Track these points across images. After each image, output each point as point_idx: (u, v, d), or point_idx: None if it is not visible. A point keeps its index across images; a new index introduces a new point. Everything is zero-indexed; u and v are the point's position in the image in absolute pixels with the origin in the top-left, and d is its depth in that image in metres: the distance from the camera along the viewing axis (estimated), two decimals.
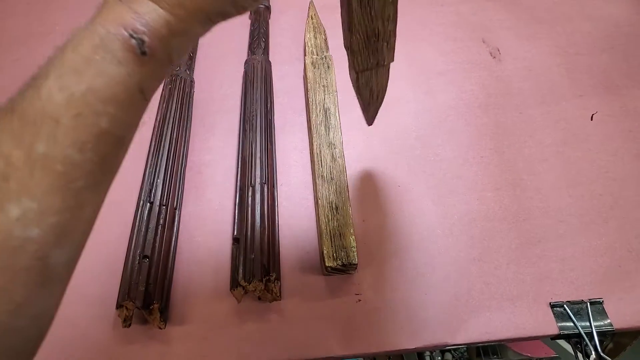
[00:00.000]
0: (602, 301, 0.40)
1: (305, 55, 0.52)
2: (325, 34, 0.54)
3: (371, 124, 0.41)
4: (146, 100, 0.22)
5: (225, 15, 0.23)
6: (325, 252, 0.39)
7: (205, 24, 0.23)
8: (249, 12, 0.59)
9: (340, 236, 0.39)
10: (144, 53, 0.20)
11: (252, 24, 0.57)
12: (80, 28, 0.21)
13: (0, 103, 0.20)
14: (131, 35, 0.20)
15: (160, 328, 0.39)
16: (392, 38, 0.33)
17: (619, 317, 0.39)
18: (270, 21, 0.58)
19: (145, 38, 0.20)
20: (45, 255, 0.19)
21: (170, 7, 0.21)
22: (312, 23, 0.55)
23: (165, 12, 0.21)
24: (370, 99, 0.38)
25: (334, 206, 0.41)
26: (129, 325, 0.38)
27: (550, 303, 0.40)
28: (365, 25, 0.31)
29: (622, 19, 0.58)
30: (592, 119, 0.50)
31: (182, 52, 0.23)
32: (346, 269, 0.39)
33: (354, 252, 0.39)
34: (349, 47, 0.33)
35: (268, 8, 0.58)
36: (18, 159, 0.18)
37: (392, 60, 0.35)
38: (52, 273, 0.20)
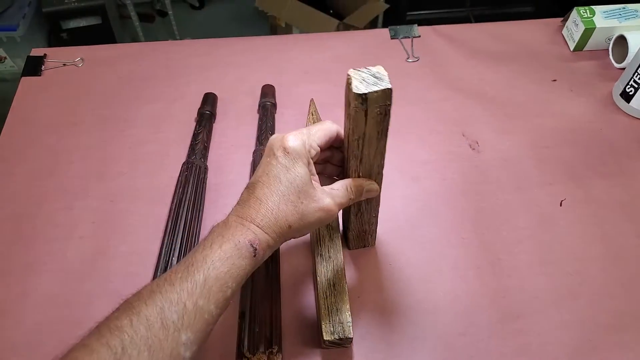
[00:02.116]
0: None
1: None
2: None
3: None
4: (246, 278, 0.37)
5: (293, 237, 0.40)
6: (323, 326, 0.44)
7: (283, 241, 0.39)
8: (257, 107, 0.69)
9: (337, 311, 0.45)
10: (254, 255, 0.36)
11: (260, 119, 0.66)
12: (218, 235, 0.36)
13: (174, 268, 0.36)
14: (251, 245, 0.36)
15: None
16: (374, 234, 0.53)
17: None
18: (276, 116, 0.67)
19: (257, 247, 0.37)
20: None
21: (268, 231, 0.37)
22: (313, 119, 0.64)
23: (266, 234, 0.37)
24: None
25: (331, 283, 0.47)
26: None
27: None
28: (357, 226, 0.50)
29: (583, 117, 0.68)
30: (561, 205, 0.58)
31: (269, 254, 0.39)
32: (342, 342, 0.44)
33: (349, 326, 0.44)
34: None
35: (274, 105, 0.68)
36: (189, 307, 0.33)
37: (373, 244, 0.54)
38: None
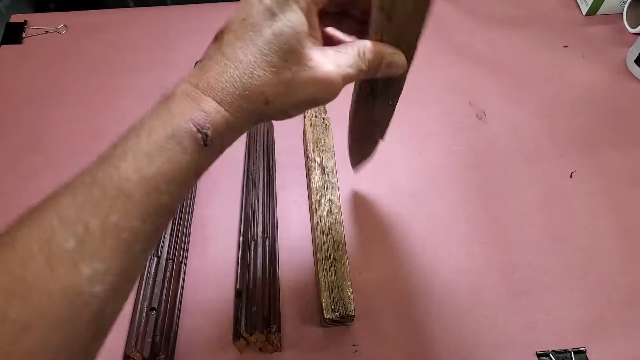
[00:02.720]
0: (585, 350, 0.44)
1: (304, 117, 0.58)
2: None
3: (356, 172, 0.49)
4: (197, 178, 0.27)
5: (271, 118, 0.28)
6: (323, 304, 0.43)
7: (254, 123, 0.28)
8: None
9: (338, 289, 0.44)
10: (206, 145, 0.25)
11: None
12: (151, 114, 0.25)
13: (78, 171, 0.25)
14: (198, 130, 0.24)
15: None
16: (385, 126, 0.41)
17: None
18: None
19: (209, 133, 0.25)
20: (102, 311, 0.23)
21: (230, 108, 0.25)
22: None
23: (226, 112, 0.25)
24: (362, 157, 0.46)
25: (332, 260, 0.45)
26: None
27: (536, 352, 0.44)
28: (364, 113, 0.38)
29: (596, 84, 0.65)
30: (571, 177, 0.56)
31: (231, 142, 0.28)
32: (344, 320, 0.43)
33: (351, 304, 0.43)
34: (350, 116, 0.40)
35: None
36: (94, 227, 0.22)
37: (383, 139, 0.43)
38: (103, 326, 0.24)
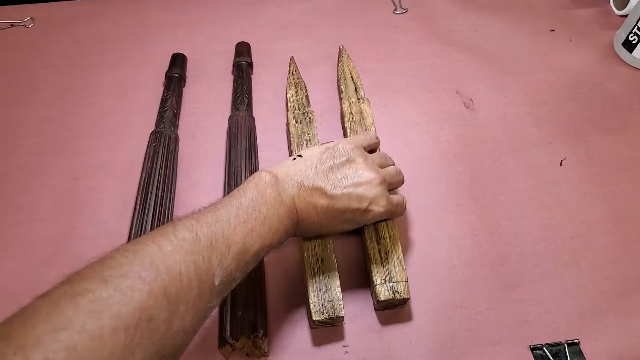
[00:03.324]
0: (579, 342, 0.44)
1: (287, 110, 0.57)
2: (306, 90, 0.59)
3: None
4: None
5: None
6: (312, 305, 0.42)
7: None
8: (231, 68, 0.64)
9: (327, 289, 0.43)
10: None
11: (235, 80, 0.61)
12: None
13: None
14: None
15: None
16: None
17: (595, 356, 0.43)
18: (252, 77, 0.63)
19: None
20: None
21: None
22: (293, 79, 0.60)
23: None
24: None
25: (319, 259, 0.44)
26: None
27: (530, 346, 0.44)
28: None
29: (583, 69, 0.65)
30: (561, 165, 0.56)
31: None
32: (333, 321, 0.42)
33: (340, 304, 0.42)
34: None
35: (250, 64, 0.63)
36: (232, 275, 0.33)
37: None
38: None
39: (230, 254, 0.32)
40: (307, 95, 0.58)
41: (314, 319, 0.41)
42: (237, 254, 0.32)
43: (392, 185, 0.45)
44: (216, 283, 0.31)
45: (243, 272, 0.34)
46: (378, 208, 0.42)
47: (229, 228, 0.33)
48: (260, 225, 0.35)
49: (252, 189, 0.37)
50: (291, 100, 0.57)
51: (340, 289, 0.43)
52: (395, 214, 0.46)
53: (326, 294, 0.42)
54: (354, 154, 0.42)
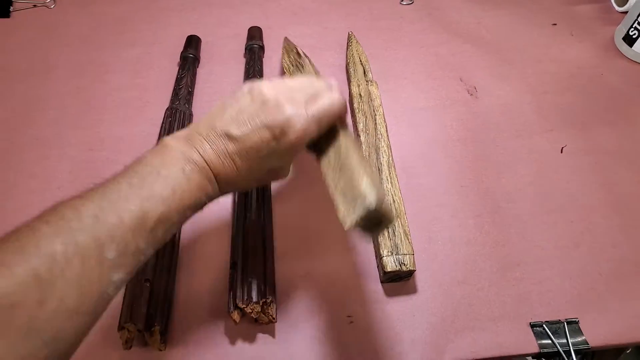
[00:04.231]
0: (578, 321, 0.42)
1: (282, 57, 0.54)
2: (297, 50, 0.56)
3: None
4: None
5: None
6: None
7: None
8: (244, 51, 0.62)
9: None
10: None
11: (247, 62, 0.59)
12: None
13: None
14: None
15: (160, 350, 0.39)
16: None
17: (593, 335, 0.41)
18: (264, 59, 0.61)
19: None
20: (109, 300, 0.27)
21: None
22: (289, 60, 0.57)
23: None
24: None
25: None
26: (130, 347, 0.38)
27: (530, 323, 0.42)
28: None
29: (584, 62, 0.63)
30: (562, 152, 0.54)
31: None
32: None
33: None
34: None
35: (262, 47, 0.61)
36: (131, 247, 0.27)
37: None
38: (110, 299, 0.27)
39: (125, 225, 0.27)
40: (297, 52, 0.54)
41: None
42: (134, 223, 0.27)
43: (322, 111, 0.33)
44: (110, 257, 0.26)
45: (153, 241, 0.29)
46: (298, 125, 0.31)
47: (119, 198, 0.27)
48: (161, 188, 0.29)
49: (151, 154, 0.31)
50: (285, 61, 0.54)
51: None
52: (332, 116, 0.34)
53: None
54: (260, 86, 0.33)
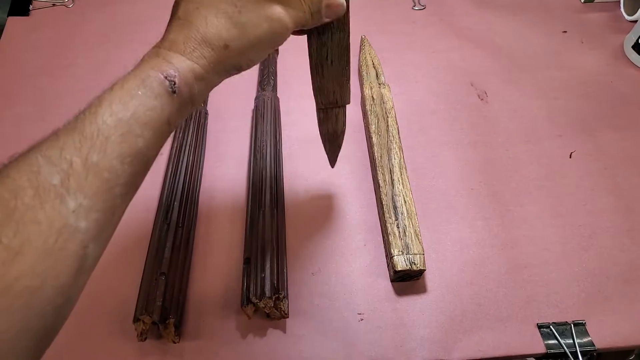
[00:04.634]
0: (585, 323, 0.43)
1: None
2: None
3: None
4: (170, 131, 0.28)
5: (238, 69, 0.30)
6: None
7: (222, 75, 0.29)
8: None
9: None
10: (174, 92, 0.26)
11: (261, 64, 0.61)
12: (126, 74, 0.26)
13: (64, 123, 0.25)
14: (166, 77, 0.26)
15: (174, 342, 0.40)
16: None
17: (600, 337, 0.42)
18: (278, 61, 0.62)
19: (176, 80, 0.26)
20: (86, 246, 0.23)
21: (193, 57, 0.27)
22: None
23: (190, 61, 0.27)
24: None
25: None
26: (145, 339, 0.39)
27: (537, 324, 0.43)
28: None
29: (594, 69, 0.64)
30: (570, 157, 0.55)
31: (202, 95, 0.29)
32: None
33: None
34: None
35: (276, 50, 0.62)
36: (77, 164, 0.23)
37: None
38: (86, 263, 0.24)
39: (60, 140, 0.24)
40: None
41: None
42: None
43: None
44: (54, 182, 0.22)
45: (115, 152, 0.24)
46: None
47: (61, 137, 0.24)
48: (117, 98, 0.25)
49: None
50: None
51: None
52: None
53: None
54: None
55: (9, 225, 0.21)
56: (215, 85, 0.30)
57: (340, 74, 0.38)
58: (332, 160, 0.46)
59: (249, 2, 0.27)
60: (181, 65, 0.27)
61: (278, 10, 0.28)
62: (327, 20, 0.32)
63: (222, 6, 0.27)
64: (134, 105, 0.25)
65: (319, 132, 0.43)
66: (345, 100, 0.40)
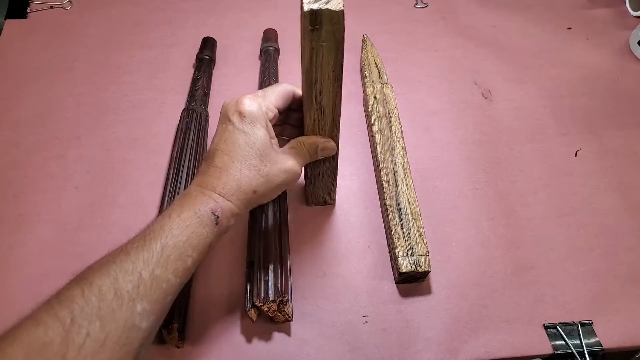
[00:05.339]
0: (592, 323, 0.43)
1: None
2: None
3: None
4: (210, 248, 0.35)
5: (259, 202, 0.38)
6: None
7: (249, 207, 0.38)
8: (259, 53, 0.64)
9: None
10: (217, 224, 0.34)
11: (262, 64, 0.61)
12: (177, 205, 0.34)
13: (129, 240, 0.33)
14: (212, 213, 0.34)
15: (178, 347, 0.40)
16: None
17: (607, 337, 0.42)
18: (279, 61, 0.63)
19: (219, 214, 0.34)
20: (142, 343, 0.30)
21: (231, 198, 0.35)
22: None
23: (229, 202, 0.35)
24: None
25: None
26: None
27: (544, 324, 0.43)
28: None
29: (599, 66, 0.64)
30: (576, 155, 0.55)
31: (234, 223, 0.37)
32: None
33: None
34: None
35: (277, 50, 0.63)
36: (145, 277, 0.30)
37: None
38: (140, 353, 0.30)
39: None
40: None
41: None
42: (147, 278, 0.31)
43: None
44: (127, 289, 0.30)
45: (171, 268, 0.32)
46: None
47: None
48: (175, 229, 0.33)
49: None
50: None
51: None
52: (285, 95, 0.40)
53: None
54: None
55: (97, 321, 0.27)
56: (244, 214, 0.38)
57: (329, 185, 0.47)
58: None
59: (271, 160, 0.37)
60: (223, 205, 0.35)
61: (291, 163, 0.38)
62: (321, 157, 0.41)
63: (252, 161, 0.36)
64: (188, 232, 0.33)
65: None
66: (332, 201, 0.50)
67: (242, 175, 0.35)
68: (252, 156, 0.36)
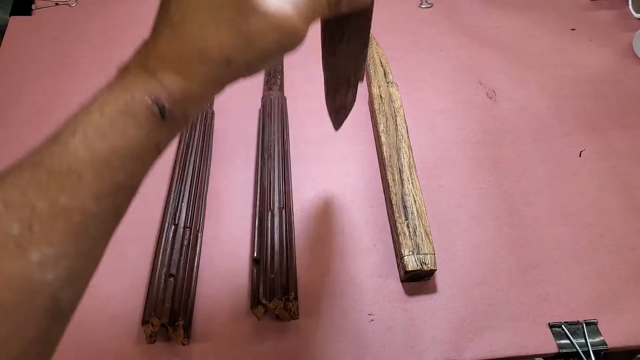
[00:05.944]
0: (597, 322, 0.43)
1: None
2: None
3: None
4: (160, 153, 0.23)
5: (239, 77, 0.24)
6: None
7: (220, 87, 0.24)
8: None
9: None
10: (164, 117, 0.22)
11: None
12: (105, 89, 0.22)
13: (26, 152, 0.22)
14: (154, 102, 0.21)
15: (183, 344, 0.41)
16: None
17: (612, 336, 0.42)
18: (285, 60, 0.63)
19: (167, 105, 0.22)
20: (56, 296, 0.21)
21: (188, 76, 0.22)
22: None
23: (185, 81, 0.22)
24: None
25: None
26: (154, 341, 0.40)
27: (549, 323, 0.43)
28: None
29: (602, 67, 0.64)
30: (580, 156, 0.55)
31: (198, 111, 0.25)
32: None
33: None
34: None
35: None
36: (42, 210, 0.20)
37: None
38: (61, 311, 0.21)
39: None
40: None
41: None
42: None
43: None
44: (14, 232, 0.19)
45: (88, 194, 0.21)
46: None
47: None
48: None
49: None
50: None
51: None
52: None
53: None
54: None
55: None
56: (214, 96, 0.27)
57: (356, 55, 0.32)
58: (336, 126, 0.43)
59: (254, 9, 0.21)
60: (174, 86, 0.22)
61: (288, 13, 0.22)
62: (346, 11, 0.25)
63: (225, 12, 0.21)
64: (114, 137, 0.21)
65: (325, 102, 0.39)
66: (359, 79, 0.36)
67: (207, 34, 0.22)
68: (226, 3, 0.21)
